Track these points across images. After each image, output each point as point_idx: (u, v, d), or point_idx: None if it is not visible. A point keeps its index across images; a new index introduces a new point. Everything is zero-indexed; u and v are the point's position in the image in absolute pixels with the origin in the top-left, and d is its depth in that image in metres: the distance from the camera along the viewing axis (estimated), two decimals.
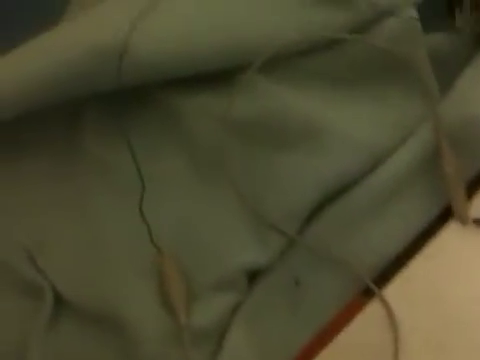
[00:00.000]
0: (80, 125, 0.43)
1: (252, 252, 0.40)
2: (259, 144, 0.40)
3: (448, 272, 0.39)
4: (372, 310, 0.38)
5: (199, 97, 0.41)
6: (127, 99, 0.41)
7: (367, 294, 0.39)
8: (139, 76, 0.39)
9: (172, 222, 0.40)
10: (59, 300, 0.40)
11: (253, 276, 0.40)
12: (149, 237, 0.39)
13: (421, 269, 0.39)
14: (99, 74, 0.39)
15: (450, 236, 0.39)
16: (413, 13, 0.40)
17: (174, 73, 0.40)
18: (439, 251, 0.39)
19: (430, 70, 0.41)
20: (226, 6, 0.39)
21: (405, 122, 0.40)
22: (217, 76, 0.40)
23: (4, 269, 0.41)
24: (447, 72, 0.41)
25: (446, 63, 0.42)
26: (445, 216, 0.40)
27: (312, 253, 0.39)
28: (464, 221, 0.39)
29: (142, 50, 0.38)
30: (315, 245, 0.39)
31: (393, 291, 0.39)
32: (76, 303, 0.40)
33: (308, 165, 0.39)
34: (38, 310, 0.40)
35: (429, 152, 0.39)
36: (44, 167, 0.43)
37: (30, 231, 0.42)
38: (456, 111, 0.40)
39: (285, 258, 0.40)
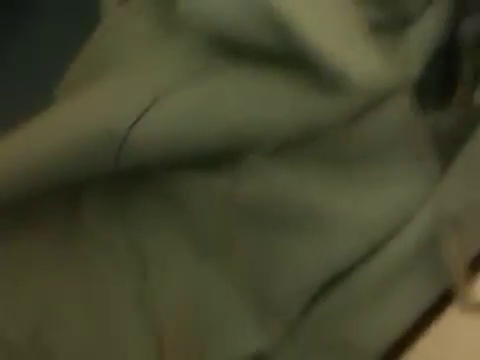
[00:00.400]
0: (80, 205, 0.43)
1: (255, 339, 0.39)
2: (262, 227, 0.40)
3: (450, 354, 0.39)
4: None
5: (201, 177, 0.41)
6: (128, 177, 0.41)
7: None
8: (138, 162, 0.39)
9: (172, 307, 0.40)
10: None
11: None
12: (151, 323, 0.39)
13: (423, 351, 0.39)
14: (97, 160, 0.38)
15: (452, 318, 0.40)
16: (407, 99, 0.40)
17: (174, 159, 0.40)
18: (441, 333, 0.39)
19: (430, 150, 0.41)
20: (226, 99, 0.39)
21: (406, 204, 0.40)
22: (220, 157, 0.40)
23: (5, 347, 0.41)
24: (447, 150, 0.42)
25: (445, 141, 0.42)
26: (447, 298, 0.40)
27: (316, 336, 0.39)
28: (466, 304, 0.39)
29: (142, 139, 0.38)
30: (318, 328, 0.39)
31: None
32: None
33: (311, 249, 0.39)
34: None
35: (430, 235, 0.39)
36: (44, 249, 0.43)
37: (32, 313, 0.41)
38: (457, 193, 0.40)
39: (289, 342, 0.40)
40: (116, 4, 0.48)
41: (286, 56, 0.39)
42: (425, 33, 0.46)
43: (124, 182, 0.41)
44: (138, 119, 0.37)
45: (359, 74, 0.38)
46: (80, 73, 0.47)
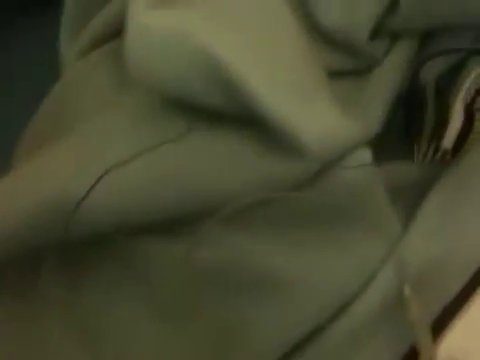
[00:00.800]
0: (38, 268, 0.42)
1: None
2: (222, 292, 0.39)
3: None
4: None
5: (159, 243, 0.40)
6: (86, 244, 0.40)
7: None
8: (91, 230, 0.38)
9: None
10: None
11: None
12: None
13: None
14: (50, 229, 0.38)
15: None
16: (367, 155, 0.39)
17: (131, 225, 0.39)
18: None
19: (389, 209, 0.40)
20: (183, 165, 0.38)
21: (368, 265, 0.40)
22: (178, 222, 0.39)
23: None
24: (408, 203, 0.41)
25: (406, 193, 0.41)
26: (412, 357, 0.39)
27: None
28: None
29: (95, 207, 0.37)
30: None
31: None
32: None
33: (271, 315, 0.39)
34: None
35: (392, 296, 0.39)
36: (2, 315, 0.42)
37: None
38: (418, 250, 0.39)
39: None
40: (75, 58, 0.48)
41: (239, 116, 0.38)
42: (388, 78, 0.45)
43: (82, 249, 0.40)
44: (91, 188, 0.37)
45: (313, 137, 0.37)
46: (40, 131, 0.46)
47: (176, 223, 0.39)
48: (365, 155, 0.39)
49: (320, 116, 0.38)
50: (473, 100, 0.43)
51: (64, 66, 0.49)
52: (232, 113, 0.38)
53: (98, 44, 0.46)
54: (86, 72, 0.46)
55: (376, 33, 0.45)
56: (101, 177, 0.37)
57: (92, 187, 0.37)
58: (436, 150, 0.42)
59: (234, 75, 0.36)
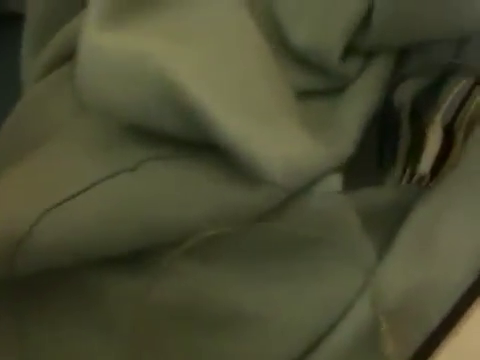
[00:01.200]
0: None
1: None
2: (181, 330, 0.37)
3: None
4: None
5: (117, 276, 0.38)
6: (41, 276, 0.38)
7: None
8: (40, 266, 0.36)
9: None
10: None
11: None
12: None
13: None
14: None
15: None
16: (338, 180, 0.37)
17: (86, 259, 0.36)
18: None
19: (363, 237, 0.38)
20: (142, 196, 0.36)
21: (340, 297, 0.37)
22: (136, 255, 0.37)
23: None
24: (384, 230, 0.39)
25: (382, 220, 0.39)
26: None
27: None
28: None
29: (44, 241, 0.34)
30: None
31: None
32: None
33: (237, 353, 0.36)
34: None
35: (367, 329, 0.37)
36: None
37: None
38: (396, 279, 0.37)
39: None
40: (34, 78, 0.45)
41: (200, 143, 0.36)
42: (361, 98, 0.43)
43: (37, 281, 0.38)
44: (35, 223, 0.34)
45: (275, 163, 0.34)
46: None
47: (136, 256, 0.37)
48: (336, 181, 0.37)
49: (283, 141, 0.36)
50: (453, 120, 0.42)
51: (25, 84, 0.46)
52: (192, 140, 0.36)
53: (57, 64, 0.44)
54: (44, 93, 0.44)
55: (349, 51, 0.43)
56: (48, 211, 0.35)
57: (36, 223, 0.34)
58: (412, 174, 0.40)
59: (192, 100, 0.34)
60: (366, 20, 0.42)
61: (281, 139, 0.36)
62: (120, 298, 0.37)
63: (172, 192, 0.36)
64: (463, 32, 0.41)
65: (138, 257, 0.37)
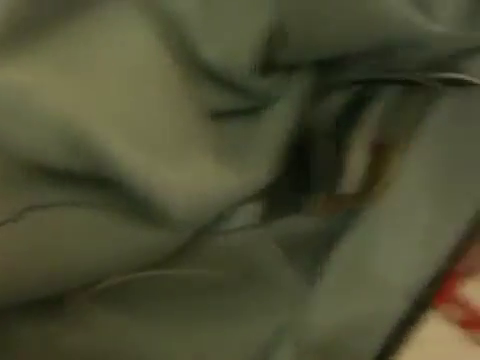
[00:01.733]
0: None
1: None
2: None
3: None
4: None
5: (32, 323, 0.35)
6: None
7: None
8: None
9: None
10: None
11: None
12: None
13: None
14: None
15: None
16: (254, 211, 0.34)
17: None
18: None
19: (287, 270, 0.35)
20: (44, 241, 0.33)
21: (258, 340, 0.35)
22: (47, 301, 0.34)
23: None
24: (309, 261, 0.36)
25: (306, 250, 0.36)
26: None
27: None
28: None
29: None
30: None
31: None
32: None
33: None
34: None
35: None
36: None
37: None
38: (323, 314, 0.35)
39: None
40: None
41: (99, 183, 0.33)
42: (281, 117, 0.40)
43: None
44: None
45: (176, 200, 0.32)
46: None
47: (47, 303, 0.34)
48: (251, 212, 0.34)
49: (187, 174, 0.33)
50: (382, 135, 0.39)
51: None
52: (86, 177, 0.33)
53: None
54: None
55: (268, 67, 0.41)
56: None
57: None
58: (335, 197, 0.37)
59: (80, 134, 0.31)
60: (283, 35, 0.39)
61: (185, 171, 0.33)
62: (29, 342, 0.35)
63: (68, 240, 0.33)
64: (383, 42, 0.38)
65: (50, 305, 0.34)
